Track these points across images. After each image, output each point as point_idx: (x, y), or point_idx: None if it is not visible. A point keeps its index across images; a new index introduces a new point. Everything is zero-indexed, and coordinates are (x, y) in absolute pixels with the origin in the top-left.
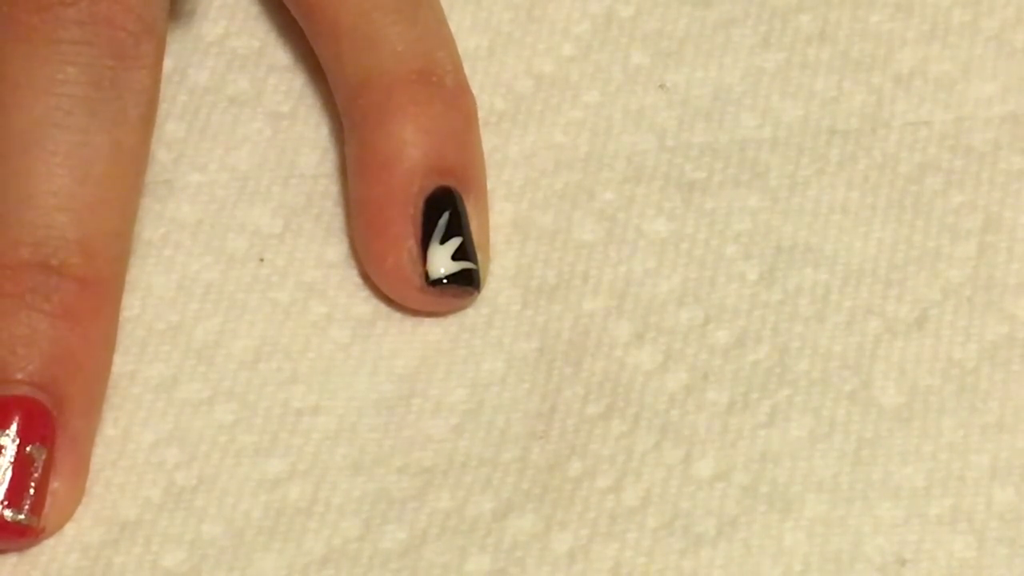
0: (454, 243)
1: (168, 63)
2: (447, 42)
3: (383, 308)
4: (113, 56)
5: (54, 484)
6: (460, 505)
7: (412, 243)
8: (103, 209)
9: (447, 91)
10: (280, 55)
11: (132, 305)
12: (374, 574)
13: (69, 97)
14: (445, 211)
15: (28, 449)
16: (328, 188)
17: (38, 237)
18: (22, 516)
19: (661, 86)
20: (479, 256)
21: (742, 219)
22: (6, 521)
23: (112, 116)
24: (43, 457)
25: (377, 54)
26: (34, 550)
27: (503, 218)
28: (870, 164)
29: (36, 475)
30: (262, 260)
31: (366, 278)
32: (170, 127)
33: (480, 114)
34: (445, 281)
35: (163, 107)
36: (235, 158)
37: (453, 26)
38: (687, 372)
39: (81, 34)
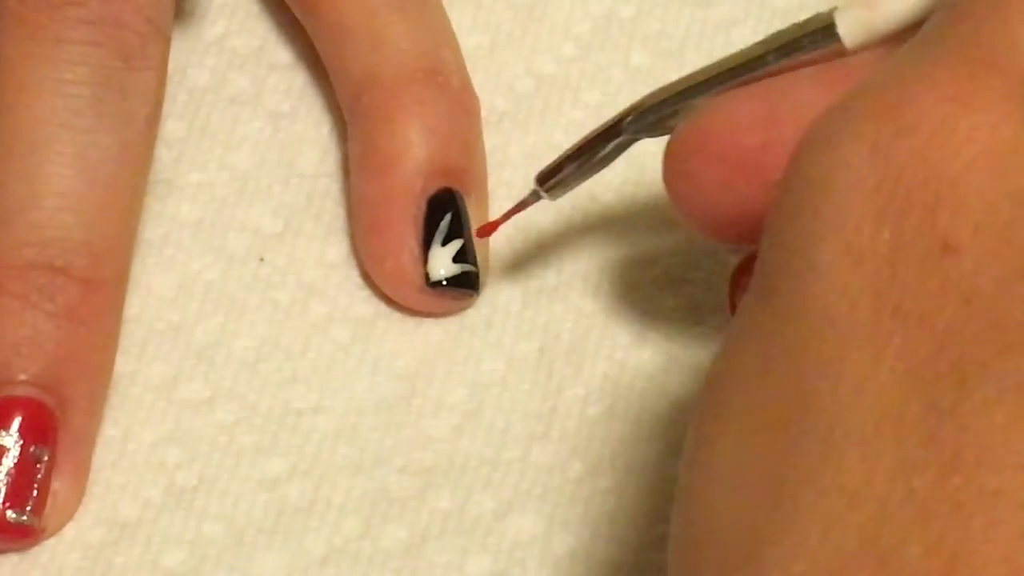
0: (455, 245)
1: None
2: (451, 42)
3: (383, 308)
4: (121, 57)
5: (55, 484)
6: (461, 505)
7: (413, 243)
8: (109, 211)
9: (452, 91)
10: (280, 54)
11: (132, 305)
12: (374, 574)
13: (77, 98)
14: (447, 213)
15: (31, 450)
16: (329, 188)
17: (44, 238)
18: (24, 517)
19: None
20: (479, 258)
21: None
22: (8, 522)
23: (119, 117)
24: (45, 458)
25: (382, 52)
26: (34, 550)
27: None
28: None
29: (39, 476)
30: (262, 260)
31: (366, 278)
32: (170, 127)
33: (480, 113)
34: (445, 283)
35: (163, 107)
36: (235, 158)
37: (453, 25)
38: (688, 373)
39: (89, 34)
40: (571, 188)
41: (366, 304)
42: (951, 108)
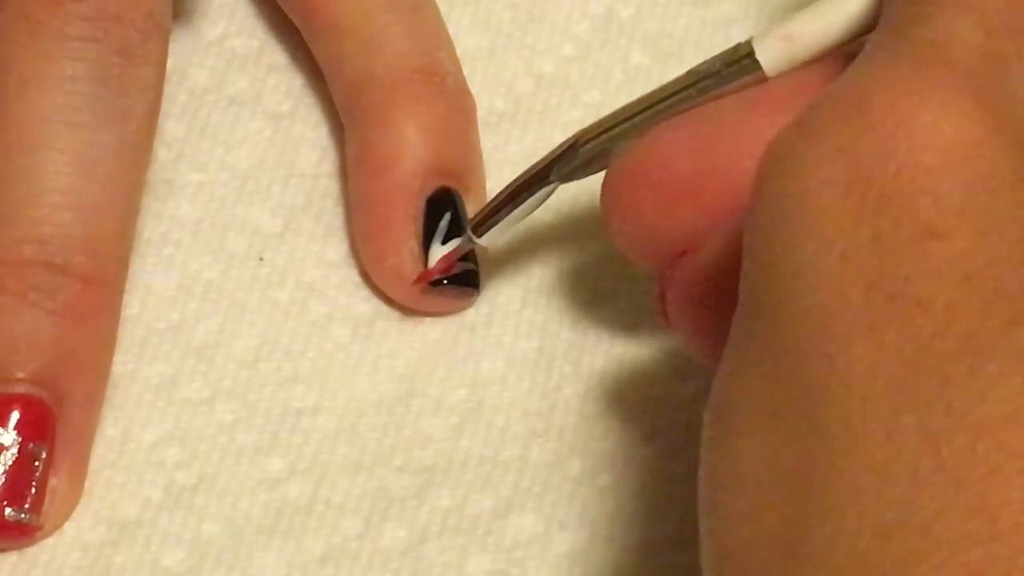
0: (454, 244)
1: (168, 63)
2: (446, 42)
3: (383, 308)
4: (121, 53)
5: (53, 482)
6: (460, 504)
7: (413, 243)
8: (108, 208)
9: (448, 91)
10: (280, 55)
11: (132, 304)
12: (374, 573)
13: (77, 94)
14: (446, 212)
15: (29, 447)
16: (328, 188)
17: (43, 235)
18: (23, 515)
19: None
20: (479, 257)
21: None
22: (6, 520)
23: (119, 114)
24: (43, 455)
25: (379, 54)
26: (34, 549)
27: None
28: None
29: (36, 473)
30: (262, 259)
31: (366, 278)
32: (170, 127)
33: (480, 114)
34: (445, 282)
35: (163, 107)
36: (235, 158)
37: (453, 26)
38: (688, 371)
39: (90, 30)
40: (503, 231)
41: (366, 304)
42: (908, 104)
